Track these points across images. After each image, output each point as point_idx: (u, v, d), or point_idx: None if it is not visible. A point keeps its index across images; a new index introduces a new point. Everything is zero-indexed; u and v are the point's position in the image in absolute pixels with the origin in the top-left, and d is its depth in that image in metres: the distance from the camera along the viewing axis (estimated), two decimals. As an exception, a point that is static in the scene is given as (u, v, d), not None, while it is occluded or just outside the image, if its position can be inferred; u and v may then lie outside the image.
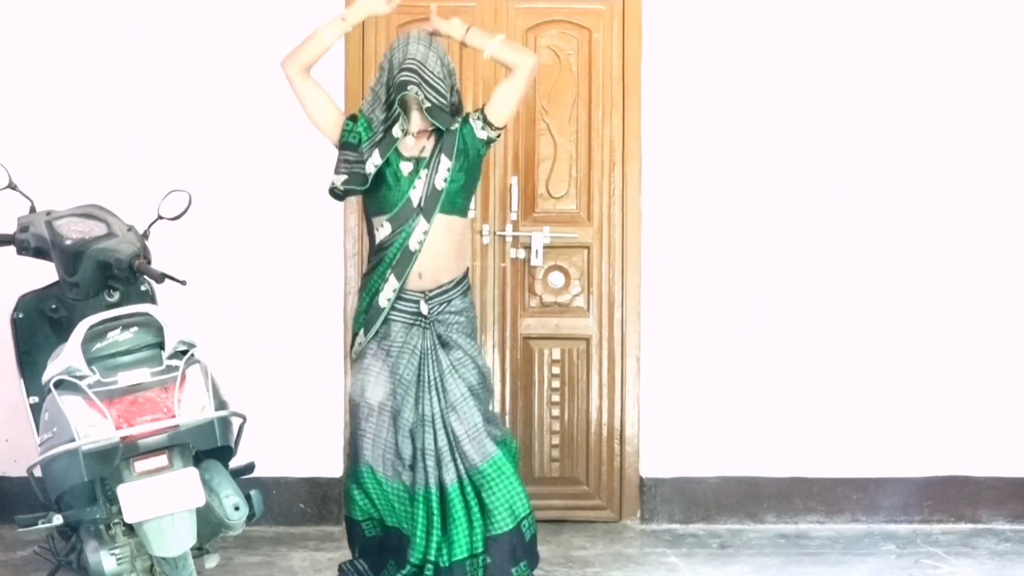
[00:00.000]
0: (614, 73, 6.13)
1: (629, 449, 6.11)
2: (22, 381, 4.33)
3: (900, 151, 6.12)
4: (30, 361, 4.31)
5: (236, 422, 4.07)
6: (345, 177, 4.70)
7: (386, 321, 4.70)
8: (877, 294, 6.10)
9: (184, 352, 4.02)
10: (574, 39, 6.15)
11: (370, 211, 4.79)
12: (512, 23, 6.11)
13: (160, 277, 4.23)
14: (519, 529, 4.71)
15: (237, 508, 3.98)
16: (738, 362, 6.08)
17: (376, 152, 4.67)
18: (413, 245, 4.66)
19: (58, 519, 4.01)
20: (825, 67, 6.09)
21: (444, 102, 4.64)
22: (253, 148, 5.92)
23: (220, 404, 4.01)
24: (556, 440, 6.12)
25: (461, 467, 4.66)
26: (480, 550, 4.66)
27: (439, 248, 4.68)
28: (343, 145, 4.72)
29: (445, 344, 4.70)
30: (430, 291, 4.69)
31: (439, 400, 4.67)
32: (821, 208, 6.10)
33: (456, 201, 4.71)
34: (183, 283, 4.33)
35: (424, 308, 4.68)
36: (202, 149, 5.90)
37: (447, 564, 4.63)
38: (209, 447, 3.98)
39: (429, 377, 4.67)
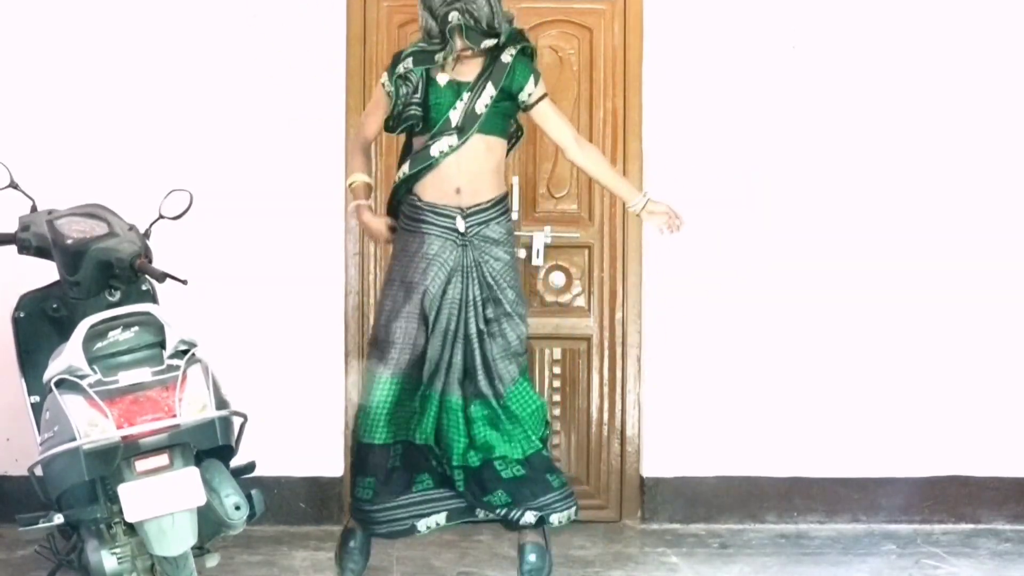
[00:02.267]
0: (615, 73, 6.13)
1: (630, 449, 6.12)
2: (23, 380, 4.33)
3: (901, 151, 6.12)
4: (31, 360, 4.31)
5: (237, 421, 4.06)
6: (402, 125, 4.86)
7: (422, 233, 4.80)
8: (877, 295, 6.10)
9: (185, 351, 4.01)
10: (575, 39, 6.15)
11: (418, 134, 4.88)
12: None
13: (161, 276, 4.23)
14: (541, 453, 4.87)
15: (238, 507, 3.98)
16: (739, 362, 6.08)
17: (416, 95, 4.80)
18: (434, 152, 4.77)
19: (59, 518, 4.00)
20: (826, 67, 6.10)
21: (480, 24, 4.74)
22: (254, 147, 5.93)
23: (221, 403, 4.01)
24: (556, 440, 6.12)
25: (489, 386, 4.81)
26: (512, 456, 4.82)
27: (478, 166, 4.81)
28: (394, 110, 4.86)
29: (483, 269, 4.81)
30: (467, 208, 4.79)
31: (472, 323, 4.79)
32: (822, 208, 6.11)
33: (496, 122, 4.82)
34: (184, 282, 4.33)
35: (461, 224, 4.78)
36: (203, 148, 5.90)
37: (477, 464, 4.80)
38: (210, 446, 3.98)
39: (466, 298, 4.79)
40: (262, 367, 5.80)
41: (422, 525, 4.84)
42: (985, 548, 5.79)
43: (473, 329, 4.81)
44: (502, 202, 4.91)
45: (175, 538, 3.88)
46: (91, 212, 4.37)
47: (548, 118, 4.95)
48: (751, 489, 6.10)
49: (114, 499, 3.92)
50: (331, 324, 5.99)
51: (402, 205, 4.91)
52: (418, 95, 4.81)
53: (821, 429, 6.08)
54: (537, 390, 6.03)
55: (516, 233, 6.03)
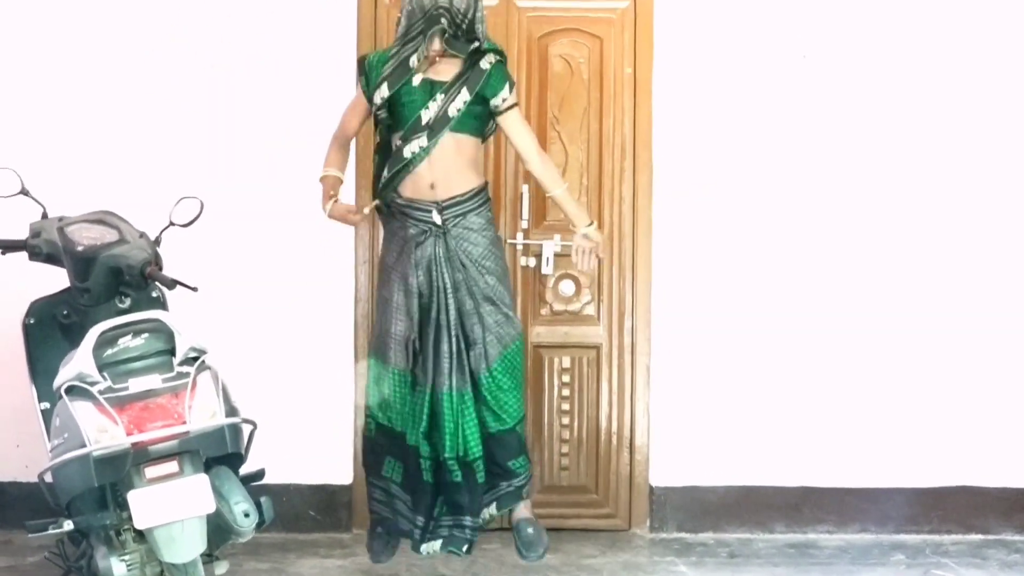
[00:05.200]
0: (625, 81, 6.12)
1: (639, 458, 6.11)
2: (33, 387, 4.34)
3: (912, 161, 6.11)
4: (41, 367, 4.31)
5: (246, 429, 4.07)
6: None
7: (402, 227, 4.99)
8: (887, 304, 6.08)
9: (195, 358, 4.02)
10: (585, 47, 6.15)
11: (390, 130, 5.05)
12: (523, 32, 6.11)
13: (171, 283, 4.24)
14: (515, 430, 5.03)
15: (247, 515, 3.98)
16: (748, 371, 6.07)
17: (385, 84, 4.96)
18: (407, 153, 4.93)
19: (68, 525, 4.01)
20: (836, 77, 6.09)
21: (463, 33, 4.93)
22: (264, 154, 5.93)
23: (230, 411, 4.02)
24: (566, 449, 6.11)
25: (469, 372, 4.96)
26: (479, 454, 4.98)
27: (449, 163, 4.98)
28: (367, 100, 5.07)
29: (459, 255, 4.95)
30: (443, 201, 4.96)
31: (451, 309, 4.93)
32: (831, 216, 6.09)
33: (467, 122, 4.97)
34: (194, 289, 4.33)
35: (437, 218, 4.95)
36: (214, 154, 5.90)
37: (478, 454, 4.97)
38: (219, 454, 3.98)
39: (442, 286, 4.94)
40: (271, 375, 5.80)
41: (424, 549, 5.05)
42: (995, 559, 5.77)
43: (454, 315, 4.94)
44: (479, 194, 5.04)
45: (184, 545, 3.88)
46: (101, 219, 4.38)
47: (515, 127, 5.08)
48: (760, 498, 6.09)
49: (123, 506, 3.93)
50: (340, 332, 5.99)
51: (389, 205, 5.08)
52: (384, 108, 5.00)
53: (830, 438, 6.07)
54: (545, 397, 6.09)
55: (526, 242, 6.06)
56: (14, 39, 5.94)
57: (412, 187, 4.98)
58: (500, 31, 6.06)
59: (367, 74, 5.04)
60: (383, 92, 4.97)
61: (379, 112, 5.03)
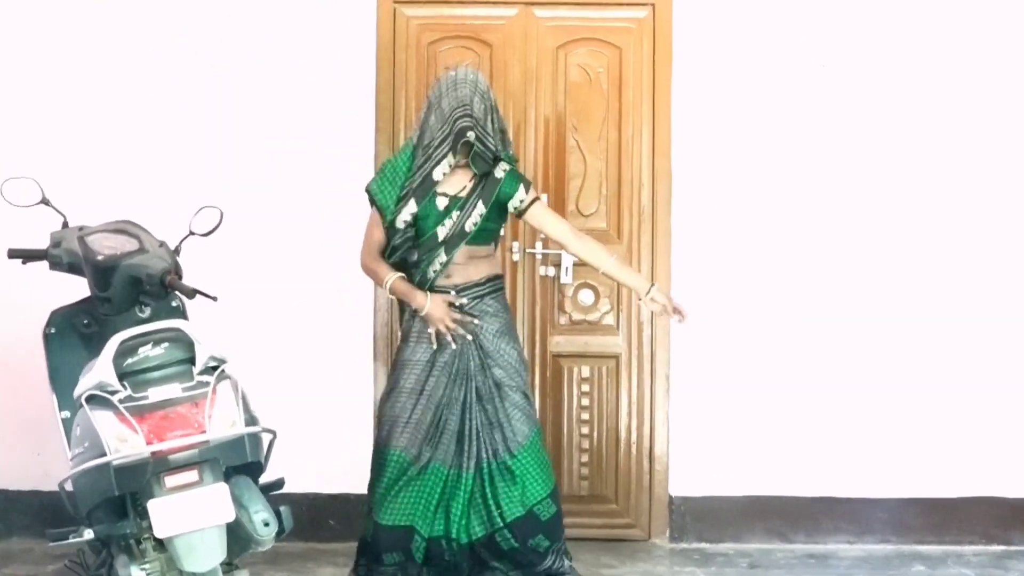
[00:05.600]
0: (644, 91, 6.13)
1: (658, 467, 6.10)
2: (54, 395, 4.34)
3: (931, 172, 6.10)
4: (62, 376, 4.32)
5: (266, 438, 4.06)
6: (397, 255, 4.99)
7: (423, 320, 4.95)
8: (906, 315, 6.07)
9: (215, 368, 4.02)
10: (604, 56, 6.15)
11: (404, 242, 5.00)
12: (542, 41, 6.12)
13: (191, 293, 4.24)
14: (534, 512, 4.94)
15: (267, 524, 3.98)
16: (767, 381, 6.06)
17: (412, 201, 4.92)
18: (431, 273, 4.93)
19: (89, 534, 4.00)
20: (855, 86, 6.08)
21: (489, 151, 4.88)
22: (284, 165, 5.95)
23: (250, 420, 4.01)
24: (585, 458, 6.11)
25: (489, 453, 4.93)
26: (498, 526, 4.92)
27: (464, 262, 4.96)
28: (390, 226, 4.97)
29: (478, 337, 4.94)
30: (460, 284, 4.96)
31: (472, 392, 4.93)
32: (847, 225, 6.09)
33: (482, 235, 4.97)
34: (214, 299, 4.33)
35: (455, 299, 4.94)
36: (234, 166, 5.93)
37: (466, 541, 4.92)
38: (239, 463, 3.98)
39: (462, 367, 4.93)
40: (291, 384, 5.82)
41: None
42: (1016, 570, 5.74)
43: (474, 397, 4.93)
44: (495, 280, 5.04)
45: (204, 554, 3.88)
46: (122, 228, 4.38)
47: (543, 219, 5.06)
48: (779, 508, 6.08)
49: (144, 515, 3.92)
50: (360, 343, 6.00)
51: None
52: (412, 232, 4.94)
53: (850, 448, 6.06)
54: (564, 407, 6.08)
55: (545, 251, 6.06)
56: (37, 52, 5.96)
57: None
58: (518, 41, 6.09)
59: (380, 190, 4.98)
60: (411, 208, 4.90)
61: (401, 229, 4.93)
